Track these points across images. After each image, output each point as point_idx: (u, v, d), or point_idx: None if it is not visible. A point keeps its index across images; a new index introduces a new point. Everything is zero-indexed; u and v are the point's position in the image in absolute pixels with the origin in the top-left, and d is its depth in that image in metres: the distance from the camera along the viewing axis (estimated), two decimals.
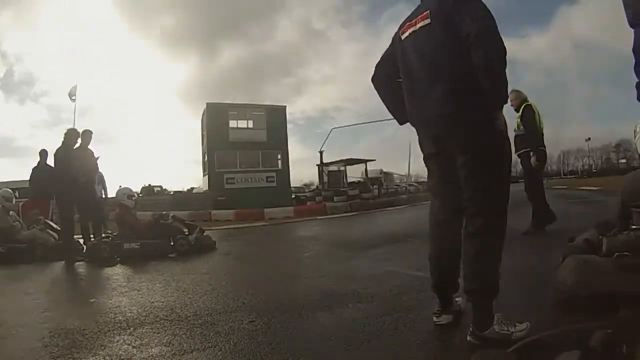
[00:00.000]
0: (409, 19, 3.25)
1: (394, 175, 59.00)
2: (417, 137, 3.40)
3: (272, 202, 25.34)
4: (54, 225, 9.47)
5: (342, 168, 37.36)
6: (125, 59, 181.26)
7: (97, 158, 9.79)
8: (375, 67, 3.64)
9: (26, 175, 10.74)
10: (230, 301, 4.49)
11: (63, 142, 8.85)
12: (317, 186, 38.72)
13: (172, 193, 38.06)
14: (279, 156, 35.36)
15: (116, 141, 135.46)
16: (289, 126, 37.40)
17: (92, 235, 9.34)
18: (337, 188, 32.34)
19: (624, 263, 3.08)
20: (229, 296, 4.73)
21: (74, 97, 27.35)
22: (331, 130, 37.95)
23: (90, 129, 9.74)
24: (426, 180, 3.68)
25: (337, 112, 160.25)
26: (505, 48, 2.81)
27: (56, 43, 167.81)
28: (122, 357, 3.07)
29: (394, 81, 3.44)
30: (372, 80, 3.68)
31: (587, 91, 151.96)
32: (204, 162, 35.59)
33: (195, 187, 41.63)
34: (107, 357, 3.07)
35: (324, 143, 36.02)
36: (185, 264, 7.51)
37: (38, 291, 5.71)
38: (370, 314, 3.69)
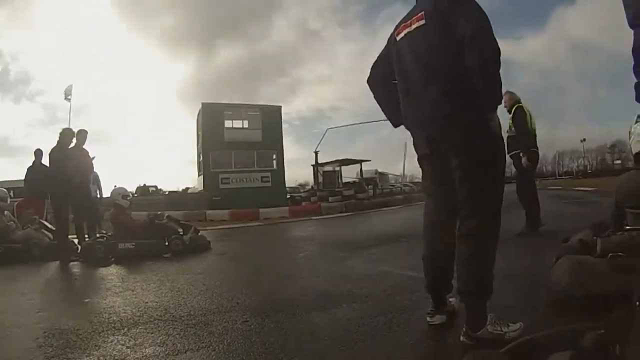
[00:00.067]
0: (404, 20, 3.26)
1: (389, 176, 58.98)
2: (412, 137, 3.41)
3: (267, 202, 25.35)
4: (49, 225, 9.43)
5: (337, 168, 37.43)
6: (122, 59, 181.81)
7: (93, 158, 9.79)
8: (371, 69, 3.64)
9: (21, 175, 10.73)
10: (224, 301, 4.49)
11: (58, 142, 8.85)
12: (312, 186, 38.77)
13: (167, 193, 38.01)
14: (274, 156, 35.39)
15: (111, 141, 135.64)
16: (284, 126, 37.42)
17: (86, 235, 9.30)
18: (332, 188, 32.45)
19: (618, 263, 3.09)
20: (223, 296, 4.73)
21: (69, 97, 27.28)
22: (326, 131, 38.00)
23: (86, 129, 9.71)
24: (421, 180, 3.69)
25: (333, 112, 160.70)
26: (499, 49, 2.81)
27: (52, 42, 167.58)
28: (116, 357, 3.06)
29: (390, 83, 3.45)
30: (368, 81, 3.68)
31: (582, 92, 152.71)
32: (199, 162, 35.57)
33: (190, 187, 41.60)
34: (101, 358, 3.06)
35: (319, 143, 36.06)
36: (179, 264, 7.50)
37: (33, 291, 5.69)
38: (365, 314, 3.69)
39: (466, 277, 2.90)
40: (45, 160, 9.52)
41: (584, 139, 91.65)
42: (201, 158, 34.23)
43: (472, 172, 2.93)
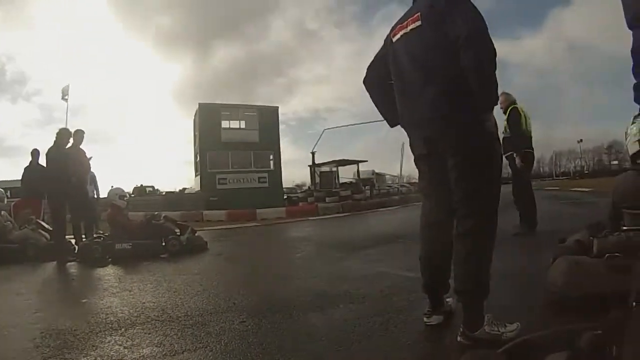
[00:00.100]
0: (400, 21, 3.27)
1: (386, 176, 59.08)
2: (408, 138, 3.42)
3: (264, 203, 25.34)
4: (46, 225, 9.44)
5: (334, 169, 37.48)
6: (119, 59, 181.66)
7: (90, 158, 9.79)
8: (367, 69, 3.66)
9: (18, 175, 10.68)
10: (222, 302, 4.50)
11: (55, 142, 8.83)
12: (309, 187, 38.78)
13: (164, 193, 38.04)
14: (271, 157, 35.31)
15: (109, 141, 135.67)
16: (281, 127, 37.40)
17: (83, 236, 9.32)
18: (329, 189, 32.44)
19: (614, 264, 3.10)
20: (220, 297, 4.73)
21: (66, 97, 27.21)
22: (323, 131, 38.02)
23: (82, 129, 9.74)
24: (418, 181, 3.70)
25: (330, 112, 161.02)
26: (495, 50, 2.83)
27: (49, 42, 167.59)
28: (113, 358, 3.06)
29: (386, 83, 3.45)
30: (364, 82, 3.70)
31: (579, 93, 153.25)
32: (196, 163, 35.47)
33: (187, 187, 41.61)
34: (99, 358, 3.07)
35: (316, 144, 36.16)
36: (176, 264, 7.50)
37: (30, 291, 5.69)
38: (361, 315, 3.70)
39: (463, 277, 2.90)
40: (42, 161, 9.52)
41: (581, 140, 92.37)
42: (198, 158, 34.16)
43: (468, 172, 2.95)
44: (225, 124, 34.27)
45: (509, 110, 7.85)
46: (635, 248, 3.11)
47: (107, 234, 8.80)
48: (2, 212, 9.33)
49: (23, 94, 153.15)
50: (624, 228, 3.53)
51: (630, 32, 1.91)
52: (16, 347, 3.41)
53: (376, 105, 3.68)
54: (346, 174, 40.31)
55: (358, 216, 19.68)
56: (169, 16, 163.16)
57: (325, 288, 4.81)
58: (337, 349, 3.00)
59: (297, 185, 54.43)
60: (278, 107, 38.03)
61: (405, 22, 3.18)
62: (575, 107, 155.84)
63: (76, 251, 8.58)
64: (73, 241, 9.12)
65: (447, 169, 3.02)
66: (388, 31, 3.43)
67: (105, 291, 5.41)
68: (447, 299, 3.37)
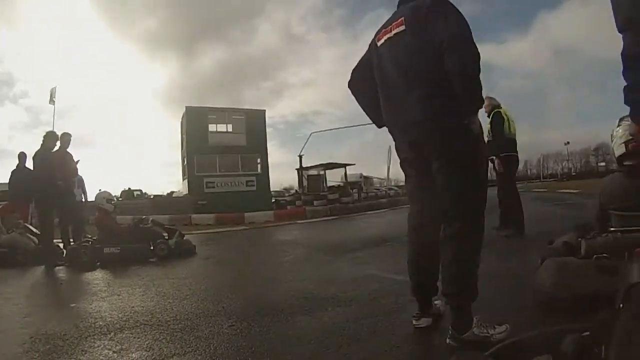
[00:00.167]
0: (384, 25, 3.32)
1: (374, 179, 59.11)
2: (394, 142, 3.46)
3: (253, 206, 25.26)
4: (34, 229, 9.39)
5: (322, 172, 37.44)
6: (106, 61, 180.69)
7: (77, 161, 9.77)
8: (352, 73, 3.71)
9: (5, 178, 10.62)
10: (210, 305, 4.51)
11: (42, 145, 8.79)
12: (296, 190, 38.75)
13: (152, 197, 37.82)
14: (259, 160, 35.17)
15: (96, 144, 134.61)
16: (268, 130, 37.32)
17: (71, 240, 9.25)
18: (316, 192, 32.39)
19: (602, 265, 3.13)
20: (209, 300, 4.75)
21: (53, 99, 26.97)
22: (310, 135, 38.01)
23: (69, 132, 9.70)
24: (405, 184, 3.73)
25: (317, 116, 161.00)
26: (479, 54, 2.87)
27: (37, 44, 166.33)
28: None
29: (371, 85, 3.48)
30: (349, 85, 3.75)
31: (566, 96, 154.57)
32: (183, 166, 35.27)
33: (175, 191, 41.41)
34: None
35: (303, 147, 36.09)
36: (165, 268, 7.48)
37: (18, 296, 5.67)
38: (350, 318, 3.73)
39: (450, 280, 2.94)
40: (29, 164, 9.46)
41: (568, 142, 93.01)
42: (185, 162, 33.98)
43: (453, 175, 2.98)
44: (212, 127, 34.11)
45: (492, 114, 7.94)
46: (622, 249, 3.15)
47: (95, 238, 8.75)
48: None
49: (10, 96, 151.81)
50: (612, 229, 3.56)
51: (615, 37, 1.97)
52: (5, 351, 3.42)
53: (362, 108, 3.74)
54: (334, 178, 40.36)
55: (346, 219, 19.61)
56: (156, 18, 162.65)
57: (314, 291, 4.83)
58: (326, 352, 3.02)
59: (285, 189, 54.41)
60: (265, 110, 38.06)
61: (390, 27, 3.22)
62: (562, 110, 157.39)
63: (64, 255, 8.51)
64: (61, 245, 9.06)
65: (432, 173, 3.06)
66: (373, 36, 3.46)
67: (94, 295, 5.40)
68: (436, 302, 3.40)
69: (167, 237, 8.94)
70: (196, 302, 4.72)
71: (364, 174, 51.68)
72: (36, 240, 9.00)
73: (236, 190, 32.55)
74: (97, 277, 6.91)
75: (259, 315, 4.01)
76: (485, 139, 7.35)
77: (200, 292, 5.26)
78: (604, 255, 3.18)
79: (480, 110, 3.14)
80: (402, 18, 3.11)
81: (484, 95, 3.01)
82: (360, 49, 3.61)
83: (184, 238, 9.40)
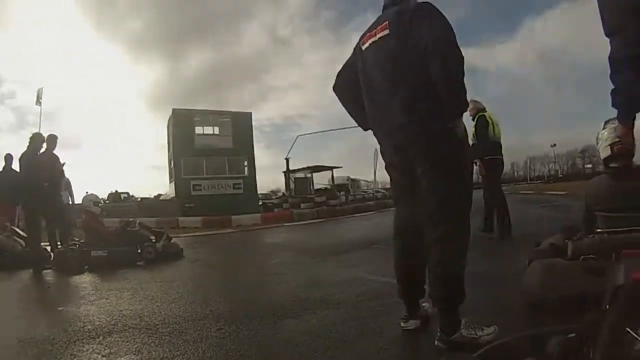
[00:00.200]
0: (369, 29, 3.31)
1: (361, 182, 59.15)
2: (379, 145, 3.48)
3: (240, 209, 25.22)
4: (21, 232, 9.31)
5: (309, 175, 37.49)
6: (93, 63, 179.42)
7: (63, 164, 9.70)
8: (337, 76, 3.70)
9: None
10: (198, 308, 4.51)
11: (28, 147, 8.69)
12: (283, 193, 38.74)
13: (139, 200, 37.66)
14: (245, 163, 35.05)
15: (83, 146, 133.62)
16: (254, 133, 37.14)
17: (59, 243, 9.20)
18: (304, 195, 32.41)
19: (589, 266, 3.15)
20: (197, 303, 4.75)
21: (40, 100, 26.69)
22: (297, 137, 38.05)
23: (56, 134, 9.66)
24: (390, 188, 3.75)
25: (304, 119, 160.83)
26: (463, 57, 2.90)
27: (24, 44, 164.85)
28: None
29: (356, 89, 3.48)
30: (334, 89, 3.74)
31: (552, 99, 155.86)
32: (170, 169, 35.10)
33: (162, 193, 41.24)
34: None
35: (289, 150, 36.10)
36: (153, 271, 7.49)
37: (6, 300, 5.66)
38: (337, 320, 3.74)
39: (437, 282, 2.95)
40: (16, 165, 9.40)
41: (554, 145, 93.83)
42: (172, 164, 33.83)
43: (438, 179, 2.99)
44: (199, 129, 34.01)
45: (476, 117, 8.03)
46: (609, 250, 3.17)
47: (82, 241, 8.69)
48: None
49: None
50: (598, 230, 3.60)
51: (601, 41, 2.02)
52: None
53: (347, 111, 3.74)
54: (321, 180, 40.41)
55: (333, 222, 19.69)
56: (142, 20, 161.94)
57: (301, 294, 4.83)
58: (314, 355, 3.03)
59: (272, 191, 54.31)
60: (251, 112, 37.97)
61: (374, 31, 3.22)
62: (548, 113, 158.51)
63: (52, 258, 8.44)
64: (49, 248, 9.00)
65: (417, 176, 3.07)
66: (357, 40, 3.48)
67: (82, 299, 5.37)
68: (424, 304, 3.41)
69: (154, 240, 8.91)
70: (184, 305, 4.71)
71: (351, 177, 51.82)
72: (23, 243, 8.93)
73: (223, 192, 32.43)
74: (84, 281, 6.87)
75: (247, 318, 4.02)
76: (470, 142, 7.43)
77: (188, 296, 5.26)
78: (591, 256, 3.23)
79: (465, 114, 3.17)
80: (387, 22, 3.12)
81: (468, 99, 3.04)
82: (348, 52, 3.62)
83: (172, 241, 9.40)
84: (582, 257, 3.27)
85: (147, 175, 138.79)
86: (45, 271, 7.90)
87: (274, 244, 11.86)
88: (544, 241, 4.23)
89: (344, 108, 3.76)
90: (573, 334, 1.78)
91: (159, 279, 6.61)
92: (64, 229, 9.60)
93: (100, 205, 9.66)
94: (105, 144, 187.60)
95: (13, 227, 9.48)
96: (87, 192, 9.64)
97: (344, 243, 10.00)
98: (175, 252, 9.12)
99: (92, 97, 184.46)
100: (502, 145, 8.29)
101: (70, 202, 10.73)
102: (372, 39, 3.23)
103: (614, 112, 2.16)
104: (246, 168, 35.05)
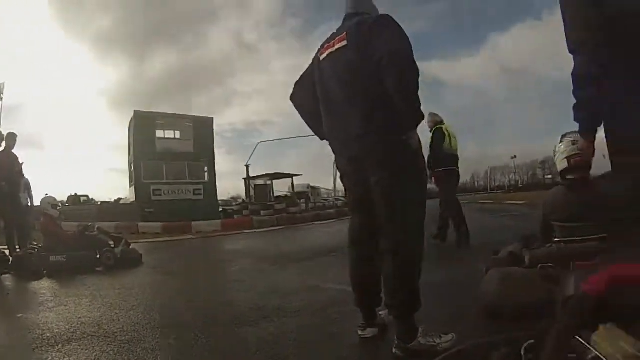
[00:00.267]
0: (328, 40, 3.35)
1: (322, 190, 59.18)
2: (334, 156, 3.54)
3: (200, 215, 25.05)
4: None
5: (269, 182, 37.53)
6: (56, 60, 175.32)
7: (22, 164, 9.56)
8: (294, 86, 3.74)
9: None
10: (158, 316, 4.49)
11: None
12: (243, 200, 38.63)
13: (99, 203, 37.06)
14: (206, 168, 34.81)
15: (42, 146, 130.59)
16: (216, 138, 36.89)
17: (17, 246, 9.07)
18: (264, 202, 32.39)
19: (546, 274, 3.25)
20: (156, 311, 4.73)
21: (1, 96, 25.70)
22: (258, 144, 38.12)
23: (15, 132, 9.53)
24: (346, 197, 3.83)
25: (266, 125, 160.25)
26: (418, 70, 2.93)
27: None
28: None
29: (313, 100, 3.50)
30: (291, 98, 3.79)
31: (513, 112, 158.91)
32: (130, 172, 34.56)
33: (122, 197, 40.67)
34: None
35: (250, 157, 36.15)
36: (112, 278, 7.43)
37: None
38: (296, 328, 3.80)
39: (392, 292, 3.01)
40: None
41: (515, 156, 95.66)
42: (133, 168, 33.37)
43: (392, 189, 3.02)
44: (160, 133, 33.66)
45: (433, 130, 8.25)
46: (565, 259, 3.27)
47: (41, 245, 8.61)
48: None
49: None
50: (555, 240, 3.75)
51: (564, 57, 2.18)
52: None
53: (305, 121, 3.78)
54: (281, 188, 40.41)
55: (293, 229, 19.72)
56: (108, 20, 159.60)
57: (260, 302, 4.84)
58: None
59: (233, 198, 53.95)
60: (213, 118, 37.65)
61: (333, 42, 3.26)
62: (510, 126, 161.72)
63: (10, 263, 8.27)
64: (7, 252, 8.81)
65: (371, 186, 3.11)
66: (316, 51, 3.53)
67: (41, 306, 5.31)
68: (381, 312, 3.42)
69: (113, 246, 8.86)
70: (143, 312, 4.69)
71: (312, 185, 51.88)
72: None
73: (183, 198, 32.18)
74: (43, 287, 6.80)
75: (205, 326, 4.03)
76: (425, 154, 7.62)
77: (147, 303, 5.24)
78: (549, 265, 3.37)
79: (423, 127, 3.26)
80: (345, 33, 3.15)
81: (428, 112, 3.13)
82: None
83: (131, 247, 9.35)
84: (539, 265, 3.40)
85: (107, 177, 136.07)
86: (3, 276, 7.77)
87: (234, 251, 11.88)
88: (502, 250, 4.30)
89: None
90: (532, 341, 1.85)
91: (118, 286, 6.56)
92: (23, 232, 9.44)
93: (58, 207, 9.53)
94: (66, 143, 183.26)
95: None
96: (46, 194, 9.53)
97: (303, 250, 10.11)
98: (134, 258, 9.06)
99: (53, 95, 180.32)
100: (460, 157, 8.55)
101: (30, 204, 10.58)
102: (330, 50, 3.27)
103: (576, 126, 2.32)
104: (206, 174, 34.83)
